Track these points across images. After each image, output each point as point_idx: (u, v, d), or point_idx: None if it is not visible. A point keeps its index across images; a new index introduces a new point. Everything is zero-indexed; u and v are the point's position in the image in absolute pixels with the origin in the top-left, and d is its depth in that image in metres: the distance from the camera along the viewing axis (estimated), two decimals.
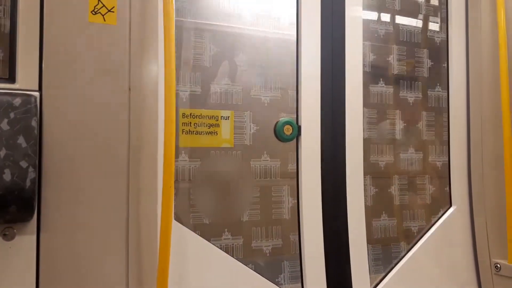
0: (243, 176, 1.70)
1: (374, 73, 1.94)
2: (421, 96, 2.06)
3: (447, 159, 2.08)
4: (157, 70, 1.39)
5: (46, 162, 1.22)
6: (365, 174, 1.86)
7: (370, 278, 1.83)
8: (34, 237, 1.21)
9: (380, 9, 1.99)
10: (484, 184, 1.98)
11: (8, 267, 1.18)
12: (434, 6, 2.12)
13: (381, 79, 1.96)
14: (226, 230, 1.65)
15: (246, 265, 1.65)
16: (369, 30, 1.95)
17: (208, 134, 1.63)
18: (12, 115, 1.14)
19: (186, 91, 1.61)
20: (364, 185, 1.86)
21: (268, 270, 1.71)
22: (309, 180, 1.75)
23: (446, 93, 2.09)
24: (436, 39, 2.11)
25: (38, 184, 1.20)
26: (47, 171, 1.22)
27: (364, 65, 1.89)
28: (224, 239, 1.65)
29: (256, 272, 1.67)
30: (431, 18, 2.12)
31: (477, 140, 2.00)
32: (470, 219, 2.04)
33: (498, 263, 1.92)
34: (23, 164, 1.13)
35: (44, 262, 1.22)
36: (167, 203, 1.33)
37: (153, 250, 1.35)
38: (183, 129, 1.60)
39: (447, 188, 2.07)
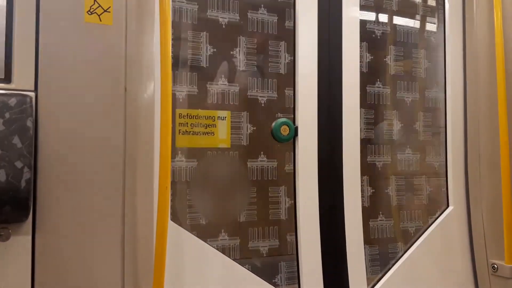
0: (240, 177, 1.70)
1: (371, 73, 1.94)
2: (418, 96, 2.06)
3: (444, 160, 2.08)
4: (154, 70, 1.39)
5: (41, 163, 1.21)
6: (362, 174, 1.86)
7: (367, 278, 1.83)
8: (29, 237, 1.21)
9: (377, 9, 1.99)
10: (481, 185, 1.98)
11: (3, 268, 1.18)
12: (431, 6, 2.12)
13: (378, 79, 1.96)
14: (222, 230, 1.65)
15: (243, 265, 1.65)
16: (366, 30, 1.95)
17: (205, 134, 1.63)
18: (7, 115, 1.14)
19: (183, 91, 1.61)
20: (361, 185, 1.86)
21: (265, 270, 1.71)
22: (306, 181, 1.75)
23: (443, 94, 2.09)
24: (433, 39, 2.11)
25: (34, 184, 1.20)
26: (43, 172, 1.22)
27: (361, 66, 1.89)
28: (221, 239, 1.65)
29: (253, 273, 1.66)
30: (428, 18, 2.12)
31: (474, 141, 2.00)
32: (467, 220, 2.04)
33: (495, 264, 1.92)
34: (18, 164, 1.13)
35: (40, 263, 1.21)
36: (163, 203, 1.33)
37: (149, 251, 1.35)
38: (179, 130, 1.59)
39: (444, 189, 2.07)
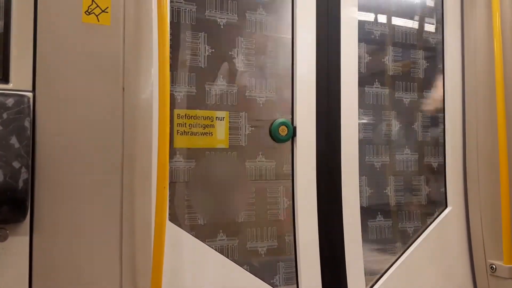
0: (238, 177, 1.70)
1: (370, 74, 1.95)
2: (416, 97, 2.06)
3: (442, 160, 2.08)
4: (151, 70, 1.39)
5: (39, 163, 1.21)
6: (360, 174, 1.86)
7: (365, 279, 1.83)
8: (27, 238, 1.20)
9: (375, 10, 2.00)
10: (479, 185, 1.98)
11: (0, 268, 1.18)
12: (429, 7, 2.13)
13: (376, 80, 1.96)
14: (221, 231, 1.65)
15: (241, 266, 1.65)
16: (365, 31, 1.95)
17: (203, 135, 1.63)
18: (4, 115, 1.13)
19: (181, 91, 1.61)
20: (360, 185, 1.86)
21: (263, 271, 1.71)
22: (305, 181, 1.75)
23: (441, 94, 2.09)
24: (431, 40, 2.11)
25: (31, 184, 1.19)
26: (40, 172, 1.21)
27: (359, 66, 1.89)
28: (219, 240, 1.64)
29: (251, 273, 1.66)
30: (426, 19, 2.12)
31: (473, 141, 2.01)
32: (466, 220, 2.04)
33: (493, 264, 1.92)
34: (16, 164, 1.13)
35: (37, 263, 1.21)
36: (161, 204, 1.32)
37: (147, 251, 1.34)
38: (178, 130, 1.59)
39: (443, 189, 2.07)
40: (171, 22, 1.57)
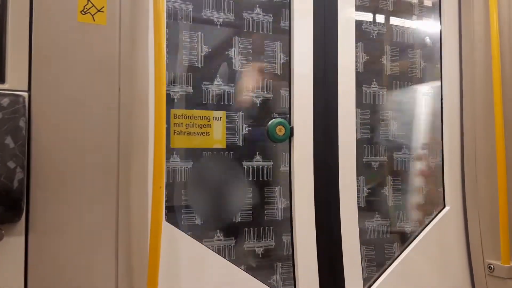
0: (236, 177, 1.70)
1: (367, 73, 1.94)
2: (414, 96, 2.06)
3: (440, 160, 2.08)
4: (148, 70, 1.39)
5: (34, 163, 1.21)
6: (358, 174, 1.86)
7: (363, 279, 1.82)
8: (23, 238, 1.20)
9: (373, 9, 1.99)
10: (477, 185, 1.98)
11: None
12: (427, 7, 2.12)
13: (374, 79, 1.96)
14: (218, 231, 1.65)
15: (238, 266, 1.65)
16: (362, 30, 1.95)
17: (200, 134, 1.63)
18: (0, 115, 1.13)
19: (177, 91, 1.61)
20: (357, 185, 1.86)
21: (260, 271, 1.70)
22: (302, 181, 1.75)
23: (439, 94, 2.09)
24: (429, 40, 2.11)
25: (27, 184, 1.19)
26: (36, 172, 1.21)
27: (357, 66, 1.89)
28: (216, 240, 1.64)
29: (249, 274, 1.66)
30: (424, 19, 2.12)
31: (471, 141, 2.00)
32: (464, 220, 2.04)
33: (491, 264, 1.91)
34: (11, 164, 1.13)
35: (33, 263, 1.21)
36: (157, 204, 1.32)
37: (143, 251, 1.34)
38: (174, 130, 1.59)
39: (441, 189, 2.07)
40: (167, 22, 1.57)
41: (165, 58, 1.35)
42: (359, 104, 1.89)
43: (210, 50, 1.66)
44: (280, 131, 1.73)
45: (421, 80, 2.08)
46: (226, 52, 1.70)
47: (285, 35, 1.79)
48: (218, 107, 1.67)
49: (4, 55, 1.22)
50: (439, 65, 2.10)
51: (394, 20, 2.05)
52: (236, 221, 1.68)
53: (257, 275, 1.68)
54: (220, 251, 1.63)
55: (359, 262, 1.82)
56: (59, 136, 1.25)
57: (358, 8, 1.93)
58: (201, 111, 1.64)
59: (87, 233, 1.27)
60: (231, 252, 1.66)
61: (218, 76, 1.67)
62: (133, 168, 1.34)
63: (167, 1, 1.57)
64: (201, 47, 1.65)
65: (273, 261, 1.73)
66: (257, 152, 1.73)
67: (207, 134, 1.64)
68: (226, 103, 1.68)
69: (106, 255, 1.29)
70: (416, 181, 2.05)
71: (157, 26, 1.34)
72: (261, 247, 1.72)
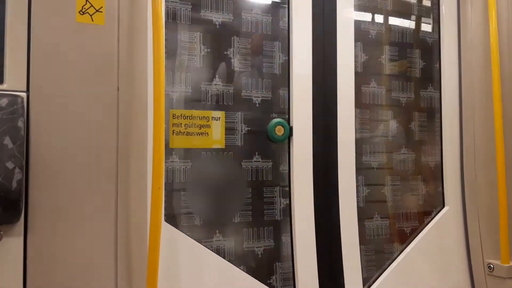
0: (235, 177, 1.70)
1: (366, 73, 1.94)
2: (413, 96, 2.06)
3: (439, 160, 2.08)
4: (146, 70, 1.39)
5: (33, 163, 1.21)
6: (357, 174, 1.86)
7: (362, 279, 1.82)
8: (21, 238, 1.20)
9: (372, 9, 1.99)
10: (477, 185, 1.98)
11: None
12: (426, 6, 2.13)
13: (373, 79, 1.96)
14: (217, 231, 1.64)
15: (237, 266, 1.64)
16: (361, 30, 1.95)
17: (199, 135, 1.63)
18: None
19: (176, 91, 1.60)
20: (357, 185, 1.85)
21: (260, 271, 1.70)
22: (301, 181, 1.75)
23: (438, 94, 2.09)
24: (428, 39, 2.11)
25: (25, 185, 1.19)
26: (34, 172, 1.21)
27: (356, 66, 1.89)
28: (216, 240, 1.64)
29: (248, 274, 1.66)
30: (423, 19, 2.12)
31: (470, 140, 2.00)
32: (463, 220, 2.04)
33: (491, 264, 1.91)
34: (9, 165, 1.12)
35: (32, 264, 1.21)
36: (156, 204, 1.32)
37: (142, 252, 1.34)
38: (173, 130, 1.59)
39: (440, 189, 2.07)
40: (166, 22, 1.57)
41: (164, 58, 1.35)
42: (358, 103, 1.89)
43: (208, 50, 1.66)
44: (279, 131, 1.73)
45: (420, 80, 2.08)
46: (225, 52, 1.69)
47: (284, 35, 1.79)
48: (217, 107, 1.67)
49: (3, 55, 1.22)
50: (438, 65, 2.10)
51: (393, 20, 2.04)
52: (236, 221, 1.68)
53: (257, 275, 1.68)
54: (219, 252, 1.63)
55: (358, 262, 1.82)
56: (57, 137, 1.24)
57: (357, 8, 1.93)
58: (200, 111, 1.64)
59: (86, 233, 1.27)
60: (230, 252, 1.66)
61: (217, 76, 1.67)
62: (132, 169, 1.34)
63: (165, 1, 1.56)
64: (200, 47, 1.65)
65: (272, 261, 1.73)
66: (256, 152, 1.73)
67: (206, 134, 1.64)
68: (225, 103, 1.68)
69: (105, 255, 1.29)
70: (416, 180, 2.05)
71: (156, 26, 1.34)
72: (261, 247, 1.72)
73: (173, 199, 1.58)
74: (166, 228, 1.48)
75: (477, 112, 1.98)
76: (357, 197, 1.85)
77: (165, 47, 1.46)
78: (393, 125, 2.01)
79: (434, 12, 2.13)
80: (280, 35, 1.79)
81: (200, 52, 1.65)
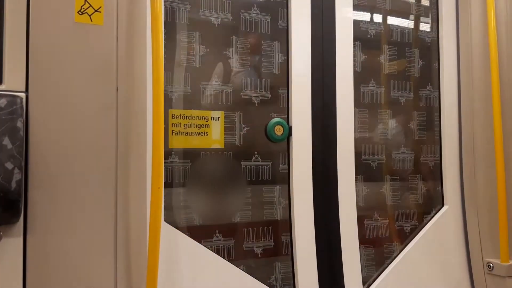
0: (234, 177, 1.70)
1: (365, 73, 1.94)
2: (412, 95, 2.06)
3: (439, 159, 2.08)
4: (145, 70, 1.39)
5: (32, 164, 1.21)
6: (356, 174, 1.86)
7: (362, 278, 1.82)
8: (21, 239, 1.20)
9: (370, 9, 2.00)
10: (476, 184, 1.98)
11: None
12: (424, 6, 2.13)
13: (372, 79, 1.96)
14: (217, 231, 1.64)
15: (237, 266, 1.64)
16: (360, 30, 1.95)
17: (198, 135, 1.63)
18: None
19: (175, 91, 1.60)
20: (356, 185, 1.85)
21: (259, 271, 1.70)
22: (301, 181, 1.75)
23: (437, 93, 2.09)
24: (427, 39, 2.11)
25: (25, 185, 1.19)
26: (34, 173, 1.21)
27: (355, 65, 1.89)
28: (215, 240, 1.64)
29: (248, 274, 1.66)
30: (422, 18, 2.12)
31: (469, 140, 2.01)
32: (463, 219, 2.04)
33: (490, 263, 1.91)
34: (9, 165, 1.12)
35: (31, 264, 1.21)
36: (156, 204, 1.32)
37: (142, 252, 1.34)
38: (172, 130, 1.59)
39: (439, 188, 2.07)
40: (165, 22, 1.57)
41: (163, 58, 1.35)
42: (357, 103, 1.89)
43: (207, 50, 1.66)
44: (279, 130, 1.73)
45: (419, 79, 2.08)
46: (224, 52, 1.69)
47: (283, 34, 1.80)
48: (216, 107, 1.66)
49: (2, 56, 1.22)
50: (437, 64, 2.10)
51: (391, 20, 2.05)
52: (235, 221, 1.68)
53: (257, 275, 1.68)
54: (219, 251, 1.63)
55: (358, 261, 1.82)
56: (56, 137, 1.24)
57: (356, 7, 1.93)
58: (199, 111, 1.64)
59: (85, 234, 1.27)
60: (230, 252, 1.66)
61: (216, 76, 1.67)
62: (131, 169, 1.34)
63: (164, 1, 1.56)
64: (199, 47, 1.65)
65: (272, 261, 1.73)
66: (256, 152, 1.73)
67: (206, 134, 1.64)
68: (224, 103, 1.68)
69: (105, 255, 1.29)
70: (415, 180, 2.05)
71: (155, 26, 1.34)
72: (260, 247, 1.72)
73: (173, 199, 1.58)
74: (166, 228, 1.48)
75: (476, 111, 1.98)
76: (356, 196, 1.85)
77: (164, 47, 1.46)
78: (392, 124, 2.01)
79: (433, 12, 2.13)
80: (279, 35, 1.79)
81: (199, 52, 1.65)
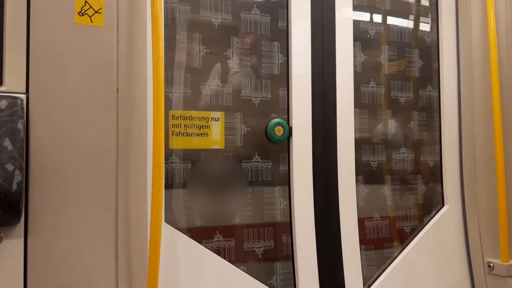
0: (235, 178, 1.70)
1: (365, 73, 1.94)
2: (412, 96, 2.06)
3: (439, 159, 2.08)
4: (146, 71, 1.39)
5: (33, 165, 1.21)
6: (357, 174, 1.86)
7: (363, 278, 1.82)
8: (22, 240, 1.20)
9: (370, 9, 2.00)
10: (476, 184, 1.98)
11: None
12: (424, 6, 2.13)
13: (372, 79, 1.96)
14: (217, 232, 1.64)
15: (238, 267, 1.64)
16: (360, 30, 1.95)
17: (199, 135, 1.63)
18: None
19: (176, 92, 1.60)
20: (356, 185, 1.86)
21: (260, 272, 1.70)
22: (301, 181, 1.75)
23: (437, 93, 2.09)
24: (427, 39, 2.12)
25: (25, 187, 1.19)
26: (34, 174, 1.21)
27: (355, 65, 1.89)
28: (216, 241, 1.64)
29: (248, 274, 1.66)
30: (421, 18, 2.12)
31: (469, 140, 2.01)
32: (463, 219, 2.04)
33: (491, 262, 1.92)
34: (9, 167, 1.12)
35: (32, 266, 1.21)
36: (156, 205, 1.32)
37: (143, 253, 1.34)
38: (173, 131, 1.59)
39: (440, 188, 2.07)
40: (165, 23, 1.57)
41: (163, 59, 1.35)
42: (357, 103, 1.89)
43: (208, 50, 1.66)
44: (279, 131, 1.73)
45: (419, 79, 2.08)
46: (224, 53, 1.69)
47: (283, 35, 1.80)
48: (216, 108, 1.66)
49: (2, 57, 1.22)
50: (436, 64, 2.10)
51: (391, 20, 2.05)
52: (236, 221, 1.68)
53: (257, 275, 1.68)
54: (219, 252, 1.63)
55: (358, 261, 1.82)
56: (57, 138, 1.24)
57: (356, 7, 1.93)
58: (200, 112, 1.64)
59: (86, 235, 1.27)
60: (230, 253, 1.66)
61: (216, 76, 1.67)
62: (132, 170, 1.34)
63: (164, 2, 1.56)
64: (199, 47, 1.65)
65: (272, 261, 1.73)
66: (256, 153, 1.73)
67: (206, 135, 1.64)
68: (224, 103, 1.68)
69: (106, 257, 1.29)
70: (415, 180, 2.05)
71: (155, 26, 1.34)
72: (261, 247, 1.72)
73: (173, 200, 1.58)
74: (166, 229, 1.48)
75: (476, 110, 1.98)
76: (356, 196, 1.85)
77: (164, 48, 1.46)
78: (392, 124, 2.02)
79: (432, 12, 2.13)
80: (279, 36, 1.79)
81: (199, 53, 1.65)
